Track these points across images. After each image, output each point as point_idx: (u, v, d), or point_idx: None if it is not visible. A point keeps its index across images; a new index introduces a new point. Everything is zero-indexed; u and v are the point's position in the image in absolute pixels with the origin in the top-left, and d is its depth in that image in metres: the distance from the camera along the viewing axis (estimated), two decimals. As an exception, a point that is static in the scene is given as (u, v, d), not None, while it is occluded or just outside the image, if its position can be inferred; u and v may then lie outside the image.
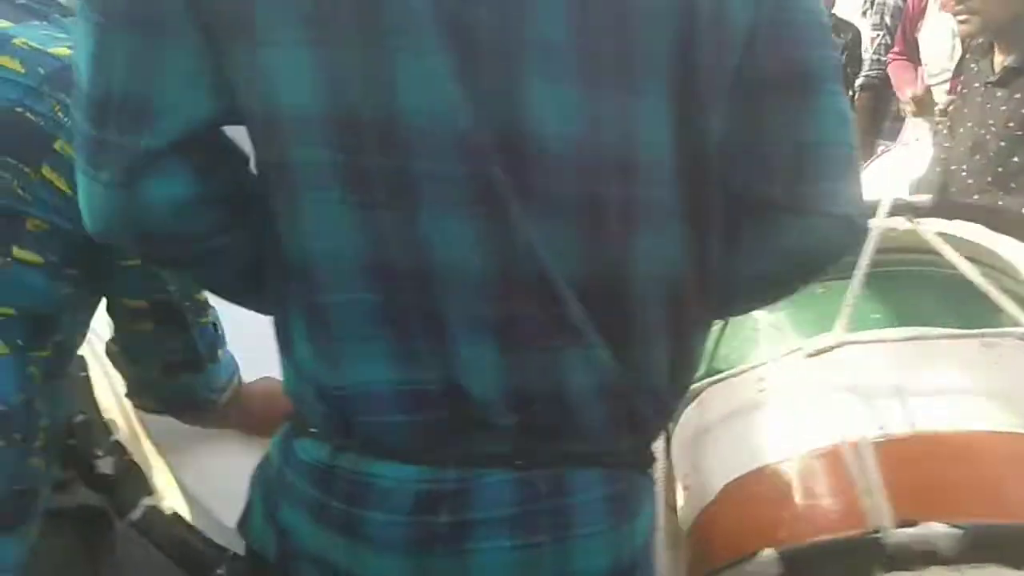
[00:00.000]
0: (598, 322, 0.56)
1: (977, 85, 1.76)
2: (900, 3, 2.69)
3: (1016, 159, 1.65)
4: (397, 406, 0.58)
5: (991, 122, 1.69)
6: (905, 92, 2.37)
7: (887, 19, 2.73)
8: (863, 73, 2.78)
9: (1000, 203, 1.62)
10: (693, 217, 0.58)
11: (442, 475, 0.57)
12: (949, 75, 2.13)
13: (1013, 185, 1.65)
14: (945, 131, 1.84)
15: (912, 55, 2.51)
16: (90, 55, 0.54)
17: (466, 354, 0.56)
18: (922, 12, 2.45)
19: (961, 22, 1.73)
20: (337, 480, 0.59)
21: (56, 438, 0.80)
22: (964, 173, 1.73)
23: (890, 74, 2.62)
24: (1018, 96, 1.65)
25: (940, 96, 2.17)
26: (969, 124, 1.75)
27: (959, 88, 1.85)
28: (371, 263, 0.55)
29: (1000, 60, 1.70)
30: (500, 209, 0.53)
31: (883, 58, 2.70)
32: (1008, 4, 1.64)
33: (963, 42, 1.95)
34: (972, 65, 1.80)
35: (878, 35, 2.74)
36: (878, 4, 2.85)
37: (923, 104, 2.25)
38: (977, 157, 1.71)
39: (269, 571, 0.64)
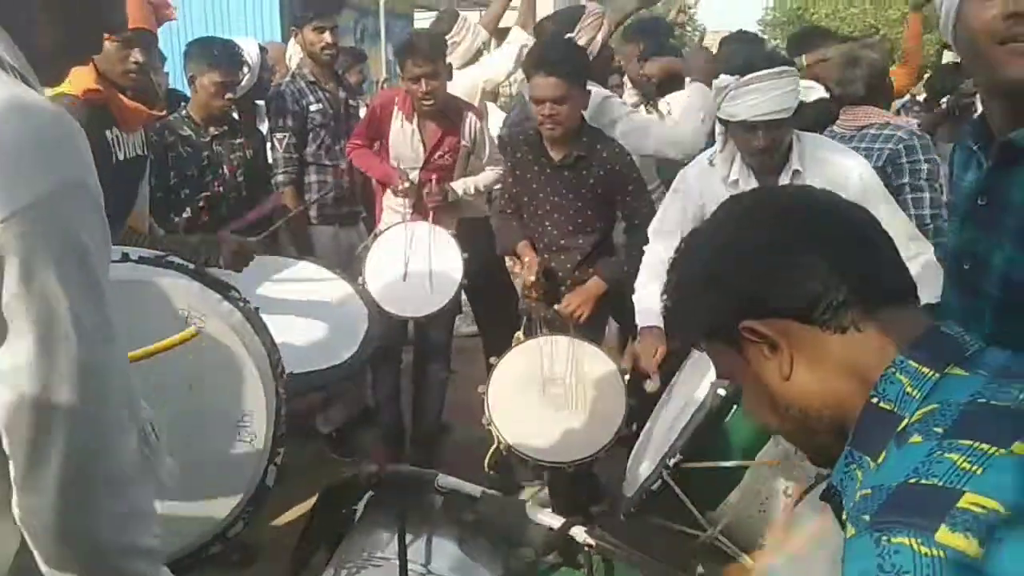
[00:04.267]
0: None
1: (537, 169, 2.66)
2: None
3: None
4: None
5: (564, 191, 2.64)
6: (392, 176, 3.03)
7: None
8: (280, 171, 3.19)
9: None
10: None
11: None
12: (414, 170, 3.03)
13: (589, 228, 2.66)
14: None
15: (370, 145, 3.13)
16: None
17: None
18: (389, 117, 3.04)
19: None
20: None
21: None
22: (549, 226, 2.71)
23: (356, 159, 3.12)
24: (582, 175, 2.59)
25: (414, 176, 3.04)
26: (541, 196, 2.69)
27: (516, 172, 2.75)
28: None
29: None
30: None
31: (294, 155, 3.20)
32: None
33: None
34: (527, 157, 2.69)
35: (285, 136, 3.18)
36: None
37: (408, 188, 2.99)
38: (556, 216, 2.68)
39: None
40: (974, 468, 0.61)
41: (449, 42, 3.25)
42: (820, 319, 0.75)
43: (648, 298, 2.37)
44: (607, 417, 2.32)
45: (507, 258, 3.23)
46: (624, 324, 3.13)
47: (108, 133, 2.12)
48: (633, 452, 2.30)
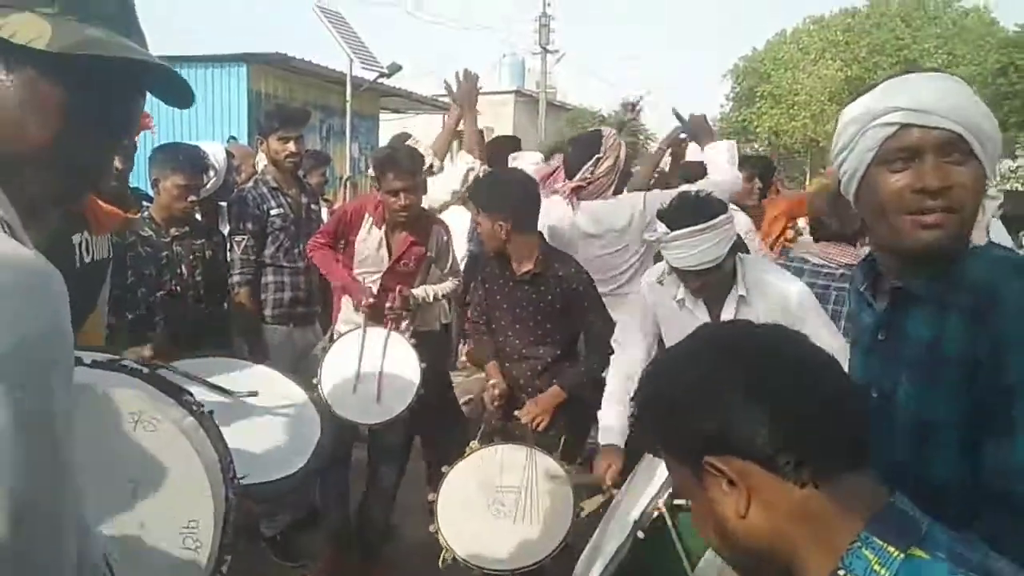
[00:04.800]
0: None
1: (501, 282, 2.82)
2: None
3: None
4: None
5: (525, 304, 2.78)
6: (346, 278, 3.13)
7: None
8: (236, 272, 3.23)
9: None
10: None
11: None
12: (376, 274, 3.12)
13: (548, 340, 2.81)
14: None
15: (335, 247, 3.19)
16: None
17: None
18: (359, 221, 3.13)
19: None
20: None
21: None
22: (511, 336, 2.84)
23: (318, 260, 3.17)
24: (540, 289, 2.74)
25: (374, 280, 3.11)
26: (505, 306, 2.83)
27: (486, 285, 2.90)
28: None
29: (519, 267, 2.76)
30: None
31: (252, 257, 3.24)
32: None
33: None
34: (495, 270, 2.84)
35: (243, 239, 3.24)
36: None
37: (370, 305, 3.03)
38: (517, 327, 2.82)
39: None
40: None
41: None
42: (780, 469, 0.77)
43: (609, 417, 2.45)
44: (554, 526, 2.33)
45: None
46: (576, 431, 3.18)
47: (76, 237, 2.16)
48: (582, 557, 2.31)
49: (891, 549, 0.74)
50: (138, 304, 2.84)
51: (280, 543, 3.24)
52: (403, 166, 2.99)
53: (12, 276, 0.71)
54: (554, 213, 3.12)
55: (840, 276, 2.90)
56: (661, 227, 2.24)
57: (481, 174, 3.59)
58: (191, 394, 1.75)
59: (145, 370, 1.72)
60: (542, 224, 3.09)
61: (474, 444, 2.60)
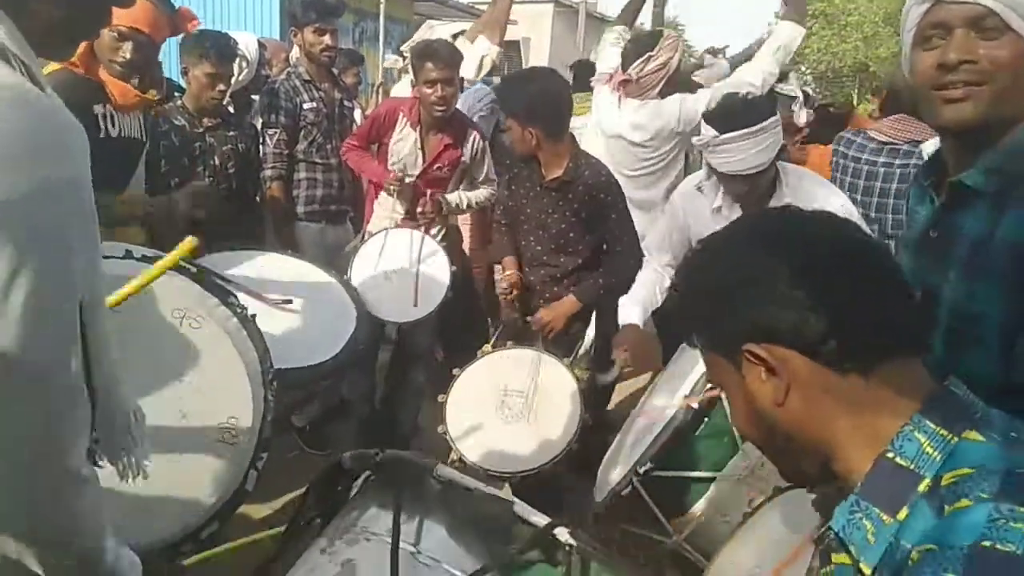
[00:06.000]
0: None
1: (529, 186, 2.74)
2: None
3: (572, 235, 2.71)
4: None
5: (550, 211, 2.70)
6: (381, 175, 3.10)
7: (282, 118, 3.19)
8: (268, 166, 3.18)
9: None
10: None
11: None
12: (411, 176, 3.07)
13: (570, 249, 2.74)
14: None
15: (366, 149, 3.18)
16: None
17: None
18: (393, 124, 3.08)
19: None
20: None
21: None
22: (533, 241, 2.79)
23: (351, 160, 3.17)
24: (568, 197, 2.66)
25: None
26: (529, 211, 2.76)
27: (512, 187, 2.83)
28: None
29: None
30: None
31: (284, 151, 3.19)
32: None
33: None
34: (523, 173, 2.76)
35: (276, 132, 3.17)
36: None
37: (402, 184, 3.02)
38: (541, 233, 2.75)
39: None
40: None
41: None
42: (823, 357, 0.75)
43: (632, 300, 2.46)
44: (560, 431, 2.36)
45: (495, 267, 3.30)
46: (601, 332, 3.22)
47: (98, 107, 2.16)
48: (605, 460, 2.35)
49: (944, 432, 0.73)
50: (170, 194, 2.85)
51: (309, 433, 3.34)
52: (442, 56, 2.90)
53: (29, 122, 0.69)
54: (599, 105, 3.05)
55: (904, 152, 2.79)
56: (709, 130, 2.16)
57: (496, 60, 3.48)
58: (236, 296, 1.78)
59: (193, 269, 1.74)
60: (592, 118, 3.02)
61: (487, 347, 2.61)
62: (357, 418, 3.34)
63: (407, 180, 3.05)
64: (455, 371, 2.55)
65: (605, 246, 2.77)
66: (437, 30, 3.80)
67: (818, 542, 0.79)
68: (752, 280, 0.79)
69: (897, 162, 2.87)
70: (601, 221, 2.69)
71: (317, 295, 2.67)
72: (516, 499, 1.01)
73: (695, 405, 1.84)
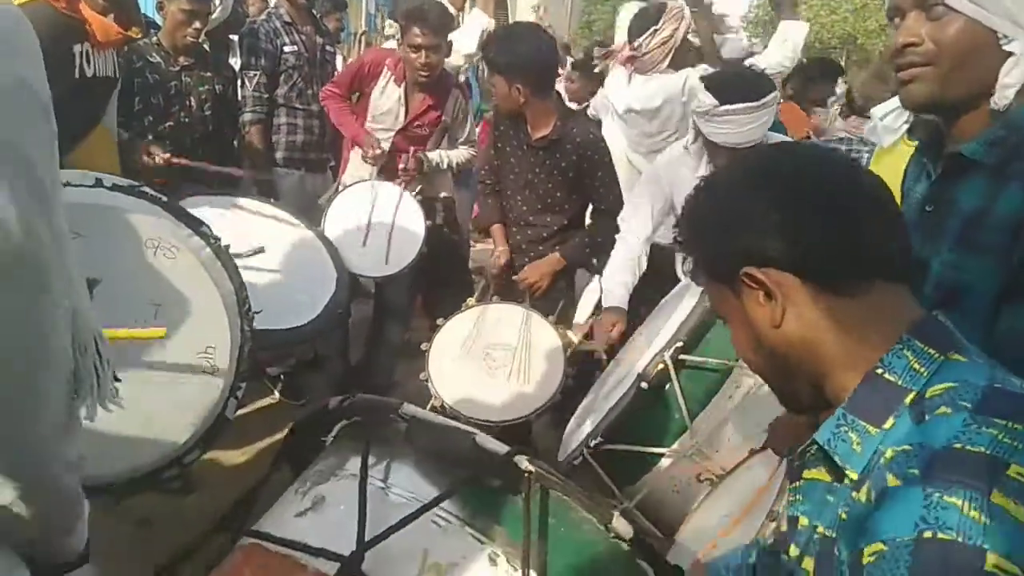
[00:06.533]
0: None
1: (516, 144, 2.69)
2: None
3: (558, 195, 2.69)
4: None
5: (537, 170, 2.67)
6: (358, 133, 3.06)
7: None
8: (247, 109, 3.11)
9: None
10: None
11: None
12: (389, 132, 3.03)
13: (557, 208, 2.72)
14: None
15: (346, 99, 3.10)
16: None
17: None
18: (376, 76, 3.01)
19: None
20: None
21: None
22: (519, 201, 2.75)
23: (331, 111, 3.08)
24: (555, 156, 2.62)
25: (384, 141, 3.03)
26: (517, 171, 2.71)
27: (498, 145, 2.77)
28: None
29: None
30: None
31: (264, 95, 3.12)
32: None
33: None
34: (509, 132, 2.70)
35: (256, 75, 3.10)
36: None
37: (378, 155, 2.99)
38: (527, 192, 2.72)
39: None
40: (1015, 443, 0.66)
41: None
42: (815, 279, 0.79)
43: (614, 284, 2.46)
44: (543, 384, 2.38)
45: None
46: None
47: (77, 47, 2.07)
48: (574, 417, 2.38)
49: (931, 351, 0.76)
50: (144, 133, 2.77)
51: (284, 383, 3.33)
52: (430, 22, 2.84)
53: None
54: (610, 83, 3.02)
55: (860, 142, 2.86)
56: (708, 97, 2.12)
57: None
58: (208, 226, 1.74)
59: (164, 198, 1.70)
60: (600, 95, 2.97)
61: (471, 300, 2.62)
62: (330, 372, 3.33)
63: (382, 150, 2.99)
64: (439, 321, 2.55)
65: (591, 205, 2.77)
66: None
67: (791, 461, 0.83)
68: (745, 208, 0.83)
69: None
70: (588, 179, 2.67)
71: (295, 252, 2.62)
72: (477, 431, 1.02)
73: (645, 385, 1.87)
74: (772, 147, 0.93)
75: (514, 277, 2.75)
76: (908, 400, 0.74)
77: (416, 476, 1.02)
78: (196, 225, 1.72)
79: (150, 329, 1.60)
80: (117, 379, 0.97)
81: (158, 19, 2.98)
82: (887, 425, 0.74)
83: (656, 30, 2.96)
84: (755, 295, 0.82)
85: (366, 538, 0.92)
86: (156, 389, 1.62)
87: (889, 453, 0.72)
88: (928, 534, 0.63)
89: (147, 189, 1.69)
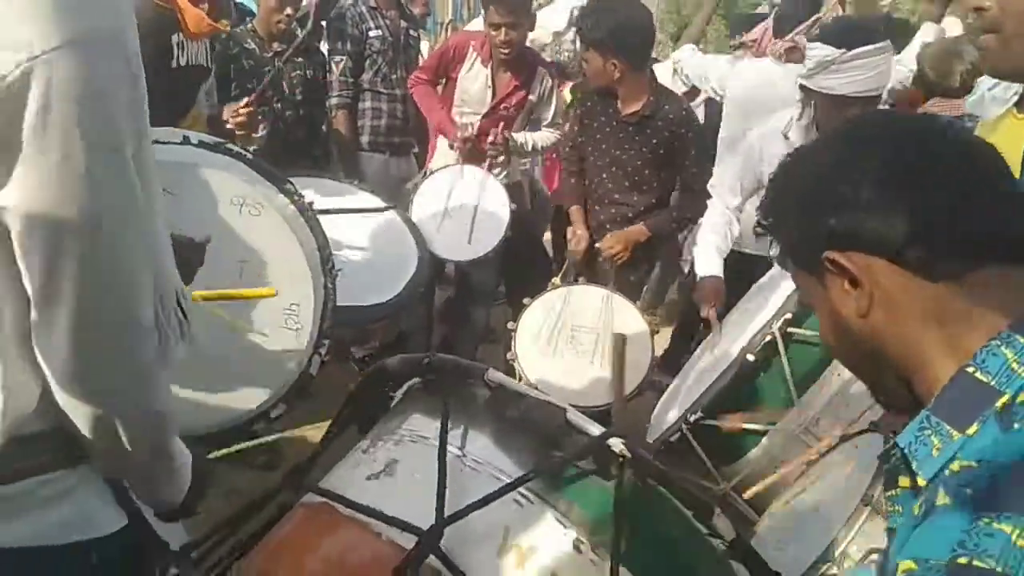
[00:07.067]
0: None
1: (604, 120, 2.63)
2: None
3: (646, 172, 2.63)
4: None
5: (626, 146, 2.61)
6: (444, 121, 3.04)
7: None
8: (334, 94, 3.12)
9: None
10: None
11: None
12: (476, 115, 3.00)
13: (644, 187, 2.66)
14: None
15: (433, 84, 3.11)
16: None
17: None
18: (462, 59, 2.99)
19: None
20: None
21: None
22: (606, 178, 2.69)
23: (418, 96, 3.10)
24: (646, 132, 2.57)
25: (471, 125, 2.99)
26: (603, 147, 2.65)
27: (584, 121, 2.71)
28: None
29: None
30: None
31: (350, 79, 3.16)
32: None
33: None
34: (596, 108, 2.66)
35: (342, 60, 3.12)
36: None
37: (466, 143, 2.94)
38: (614, 170, 2.64)
39: None
40: None
41: None
42: (910, 263, 0.70)
43: (707, 249, 2.37)
44: (630, 369, 2.33)
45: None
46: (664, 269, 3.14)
47: (174, 37, 2.15)
48: (661, 400, 2.31)
49: None
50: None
51: (368, 364, 3.38)
52: (508, 1, 2.81)
53: None
54: (748, 75, 2.91)
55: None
56: (826, 49, 2.03)
57: None
58: (292, 183, 1.77)
59: (249, 156, 1.74)
60: (732, 86, 2.88)
61: (556, 281, 2.59)
62: (415, 352, 3.36)
63: (470, 135, 2.98)
64: (525, 301, 2.53)
65: (679, 184, 2.67)
66: None
67: (883, 460, 0.74)
68: (831, 183, 0.74)
69: None
70: (679, 157, 2.60)
71: (378, 232, 2.65)
72: (568, 406, 0.97)
73: (751, 357, 1.77)
74: (872, 115, 0.85)
75: (596, 245, 2.70)
76: (999, 404, 0.64)
77: (495, 447, 0.97)
78: (280, 183, 1.75)
79: (260, 289, 1.63)
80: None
81: (253, 7, 3.06)
82: (971, 431, 0.64)
83: (820, 18, 2.89)
84: (840, 282, 0.74)
85: (445, 512, 0.89)
86: (243, 346, 1.66)
87: (956, 466, 0.63)
88: (963, 560, 0.56)
89: (232, 146, 1.73)
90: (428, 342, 3.35)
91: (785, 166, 0.83)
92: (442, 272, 3.25)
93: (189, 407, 1.59)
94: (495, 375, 1.01)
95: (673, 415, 2.01)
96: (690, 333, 2.98)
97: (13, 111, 0.66)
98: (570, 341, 2.44)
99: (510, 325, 2.49)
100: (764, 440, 1.81)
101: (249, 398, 1.67)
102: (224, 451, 1.62)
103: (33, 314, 0.74)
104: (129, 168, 0.75)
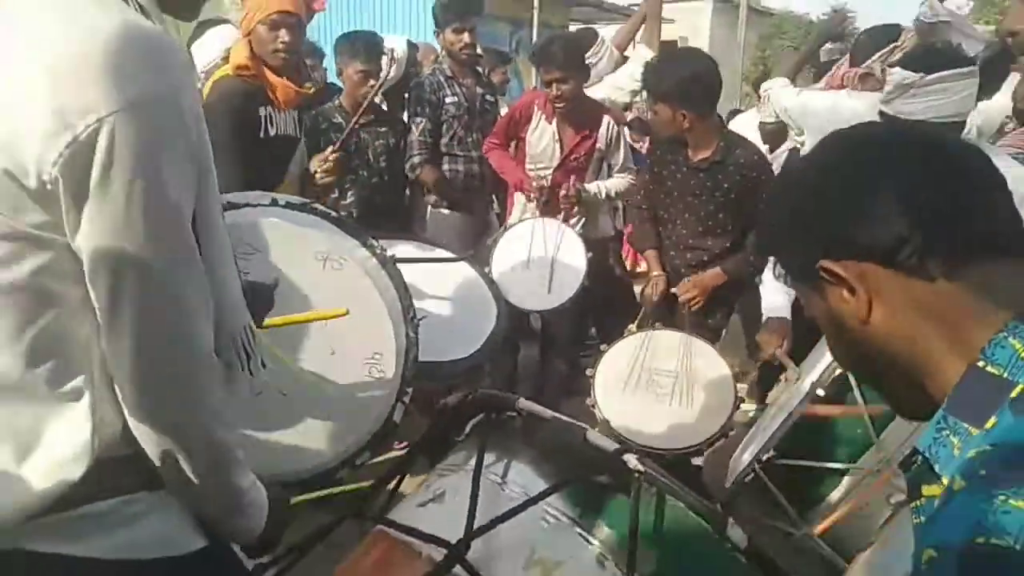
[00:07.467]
0: None
1: (674, 168, 2.67)
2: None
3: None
4: None
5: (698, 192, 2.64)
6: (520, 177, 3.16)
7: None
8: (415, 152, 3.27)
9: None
10: None
11: None
12: (548, 170, 3.11)
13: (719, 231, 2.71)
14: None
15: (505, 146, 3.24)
16: None
17: None
18: (529, 119, 3.14)
19: None
20: None
21: None
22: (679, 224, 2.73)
23: (493, 159, 3.23)
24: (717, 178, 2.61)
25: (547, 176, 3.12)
26: (675, 194, 2.69)
27: (654, 169, 2.78)
28: None
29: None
30: None
31: (429, 140, 3.30)
32: None
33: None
34: (667, 155, 2.72)
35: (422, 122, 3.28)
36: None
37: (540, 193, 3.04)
38: (687, 216, 2.69)
39: None
40: None
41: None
42: (903, 264, 0.69)
43: (774, 291, 2.33)
44: (713, 412, 2.28)
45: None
46: (746, 319, 3.06)
47: (262, 109, 2.35)
48: (741, 444, 2.23)
49: None
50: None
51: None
52: (554, 58, 2.96)
53: (131, 43, 0.78)
54: (818, 106, 2.88)
55: None
56: (908, 75, 1.98)
57: None
58: (375, 238, 1.87)
59: (333, 214, 1.86)
60: (810, 124, 2.90)
61: (632, 327, 2.58)
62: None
63: (544, 184, 3.08)
64: (602, 347, 2.54)
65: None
66: (607, 39, 3.83)
67: (905, 469, 0.72)
68: (818, 191, 0.76)
69: None
70: (752, 201, 2.59)
71: (457, 289, 2.73)
72: (588, 427, 0.99)
73: (821, 392, 1.70)
74: (856, 126, 0.82)
75: (673, 290, 2.69)
76: (1014, 394, 0.62)
77: (531, 473, 1.02)
78: (362, 237, 1.84)
79: (332, 309, 1.69)
80: (263, 365, 1.05)
81: (339, 83, 3.30)
82: (989, 424, 0.63)
83: (897, 46, 2.85)
84: (838, 291, 0.74)
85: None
86: (328, 394, 1.72)
87: (972, 453, 0.62)
88: (981, 539, 0.54)
89: (317, 206, 1.85)
90: (512, 394, 3.37)
91: (778, 181, 0.85)
92: (526, 325, 3.29)
93: (274, 452, 1.67)
94: (523, 403, 1.05)
95: (748, 455, 1.94)
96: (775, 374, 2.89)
97: (84, 166, 0.76)
98: (649, 385, 2.42)
99: (589, 371, 2.50)
100: (845, 481, 1.71)
101: (334, 445, 1.72)
102: (308, 496, 1.69)
103: (104, 344, 0.84)
104: (182, 215, 0.83)
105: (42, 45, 0.77)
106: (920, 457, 0.69)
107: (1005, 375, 0.64)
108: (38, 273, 0.81)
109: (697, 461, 2.46)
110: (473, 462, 1.06)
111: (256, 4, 2.30)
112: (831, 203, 0.74)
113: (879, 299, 0.71)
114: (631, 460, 0.96)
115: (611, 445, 0.99)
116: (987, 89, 2.64)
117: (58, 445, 0.85)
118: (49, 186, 0.77)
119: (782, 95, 3.22)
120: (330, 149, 2.62)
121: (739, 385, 3.25)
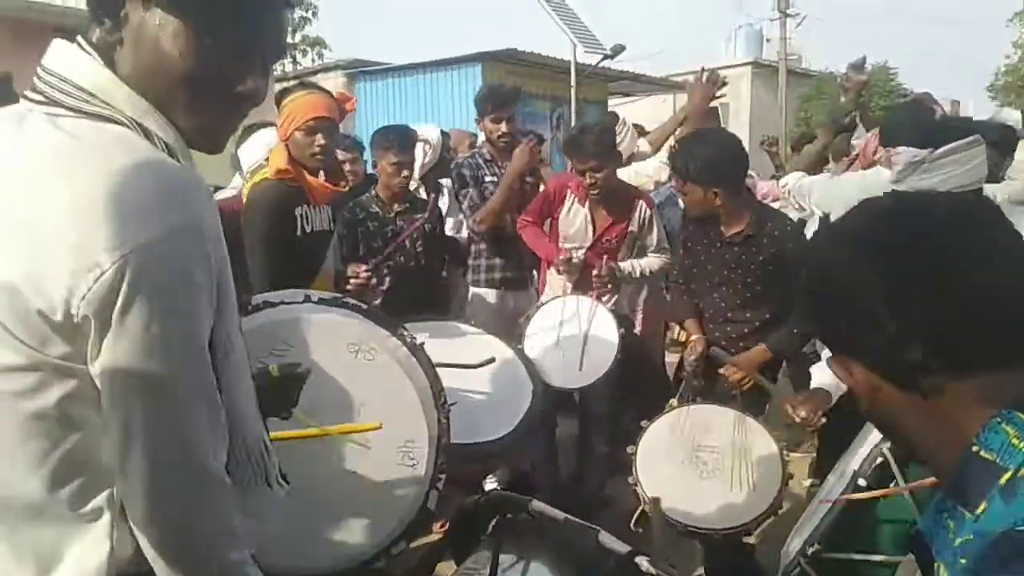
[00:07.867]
0: None
1: (707, 243, 2.71)
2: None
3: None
4: None
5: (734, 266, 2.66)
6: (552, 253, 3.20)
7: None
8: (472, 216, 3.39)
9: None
10: None
11: None
12: (581, 246, 3.18)
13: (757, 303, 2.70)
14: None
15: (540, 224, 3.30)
16: None
17: None
18: (562, 200, 3.21)
19: None
20: None
21: None
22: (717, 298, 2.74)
23: (525, 236, 3.29)
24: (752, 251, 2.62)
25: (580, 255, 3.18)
26: (709, 268, 2.73)
27: (687, 245, 2.83)
28: None
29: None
30: None
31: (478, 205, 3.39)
32: None
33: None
34: (699, 232, 2.75)
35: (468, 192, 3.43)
36: None
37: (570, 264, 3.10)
38: (724, 289, 2.71)
39: None
40: None
41: None
42: (896, 379, 0.72)
43: (823, 378, 2.29)
44: (761, 489, 2.21)
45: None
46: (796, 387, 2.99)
47: (298, 209, 2.47)
48: (793, 530, 2.16)
49: None
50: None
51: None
52: (584, 149, 3.03)
53: (155, 181, 0.84)
54: (850, 190, 2.91)
55: None
56: (915, 151, 2.02)
57: None
58: (405, 328, 1.93)
59: (364, 306, 1.93)
60: (836, 208, 2.91)
61: (673, 402, 2.56)
62: (540, 486, 3.35)
63: (575, 261, 3.12)
64: (643, 423, 2.51)
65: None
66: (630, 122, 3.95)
67: (914, 551, 0.75)
68: (824, 287, 0.78)
69: None
70: (789, 271, 2.57)
71: (493, 368, 2.75)
72: (600, 528, 0.99)
73: (863, 482, 1.66)
74: (869, 205, 0.79)
75: (720, 371, 2.65)
76: (1003, 480, 0.64)
77: (547, 572, 1.00)
78: (393, 327, 1.90)
79: (365, 423, 1.74)
80: (286, 481, 1.08)
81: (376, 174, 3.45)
82: (980, 509, 0.65)
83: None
84: (846, 375, 0.78)
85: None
86: (362, 483, 1.75)
87: (957, 542, 0.64)
88: None
89: (349, 300, 1.92)
90: (554, 474, 3.34)
91: (800, 261, 0.87)
92: (566, 402, 3.28)
93: (310, 544, 1.70)
94: (537, 505, 1.06)
95: (795, 544, 1.87)
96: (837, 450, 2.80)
97: (108, 297, 0.80)
98: (693, 462, 2.38)
99: (629, 449, 2.47)
100: (897, 573, 1.64)
101: (369, 536, 1.74)
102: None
103: (115, 467, 0.86)
104: (198, 341, 0.87)
105: (71, 185, 0.81)
106: (922, 537, 0.72)
107: (997, 460, 0.66)
108: (63, 401, 0.85)
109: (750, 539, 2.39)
110: (478, 564, 1.07)
111: (292, 113, 2.44)
112: (832, 305, 0.76)
113: (880, 394, 0.74)
114: (643, 563, 0.96)
115: (623, 548, 0.99)
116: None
117: (78, 564, 0.87)
118: (76, 320, 0.81)
119: (802, 187, 3.24)
120: (363, 267, 2.70)
121: (795, 455, 3.16)
